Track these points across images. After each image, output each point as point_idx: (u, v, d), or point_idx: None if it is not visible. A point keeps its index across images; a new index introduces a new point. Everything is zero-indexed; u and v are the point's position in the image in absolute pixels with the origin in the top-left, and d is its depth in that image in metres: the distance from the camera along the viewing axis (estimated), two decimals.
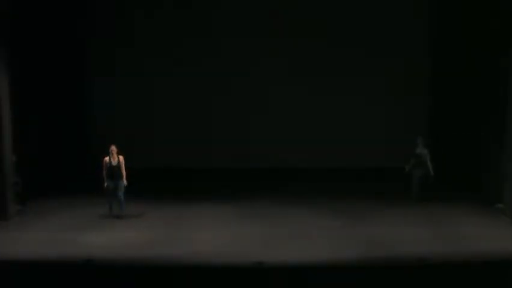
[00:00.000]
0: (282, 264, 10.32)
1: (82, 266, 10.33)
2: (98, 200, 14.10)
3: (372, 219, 13.33)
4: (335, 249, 11.23)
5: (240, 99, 17.89)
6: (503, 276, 9.91)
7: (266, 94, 17.75)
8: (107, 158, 13.32)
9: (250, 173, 16.89)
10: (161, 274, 10.17)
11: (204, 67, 17.77)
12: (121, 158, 13.37)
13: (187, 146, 17.75)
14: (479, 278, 9.82)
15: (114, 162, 13.29)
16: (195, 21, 17.77)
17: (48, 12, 15.77)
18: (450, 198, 14.78)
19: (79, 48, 17.65)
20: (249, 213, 13.89)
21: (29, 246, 11.56)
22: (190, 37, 17.78)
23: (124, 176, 13.36)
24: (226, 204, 14.58)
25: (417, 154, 14.47)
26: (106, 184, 13.34)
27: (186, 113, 17.98)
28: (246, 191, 15.67)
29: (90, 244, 11.68)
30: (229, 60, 17.70)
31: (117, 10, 17.81)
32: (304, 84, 17.61)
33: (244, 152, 17.66)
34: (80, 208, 14.38)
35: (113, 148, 13.33)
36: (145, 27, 17.75)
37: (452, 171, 16.04)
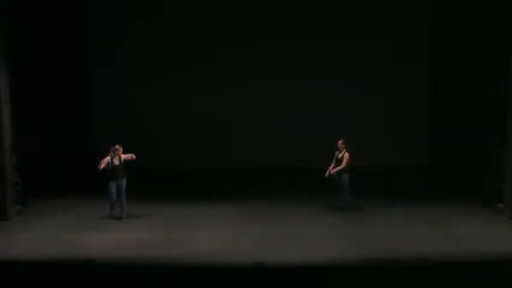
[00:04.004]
0: (282, 264, 10.33)
1: (82, 266, 10.33)
2: (98, 200, 14.11)
3: (372, 219, 13.33)
4: (335, 249, 11.23)
5: (240, 99, 17.92)
6: (503, 276, 9.91)
7: (266, 95, 17.77)
8: (108, 158, 13.26)
9: (250, 173, 16.90)
10: (161, 274, 10.17)
11: (204, 68, 17.80)
12: (123, 156, 13.31)
13: (187, 147, 17.77)
14: (479, 278, 9.82)
15: (117, 161, 13.26)
16: (196, 22, 17.79)
17: (49, 12, 15.77)
18: (450, 198, 14.78)
19: (79, 48, 17.68)
20: (249, 213, 13.89)
21: (29, 246, 11.55)
22: (190, 37, 17.81)
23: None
24: (226, 204, 14.57)
25: (338, 159, 13.73)
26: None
27: (186, 113, 18.00)
28: (245, 191, 15.67)
29: (90, 244, 11.67)
30: (230, 61, 17.72)
31: (117, 10, 17.82)
32: (304, 85, 17.65)
33: (244, 152, 17.69)
34: (80, 208, 14.38)
35: (118, 147, 13.29)
36: (145, 27, 17.78)
37: (452, 170, 16.07)
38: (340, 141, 13.77)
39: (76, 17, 17.49)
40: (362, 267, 10.41)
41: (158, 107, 18.01)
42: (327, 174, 13.80)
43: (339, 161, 13.77)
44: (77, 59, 17.55)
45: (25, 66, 14.68)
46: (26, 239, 12.09)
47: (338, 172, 13.68)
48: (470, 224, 12.83)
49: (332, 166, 13.83)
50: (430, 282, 9.90)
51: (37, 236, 12.26)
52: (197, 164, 17.63)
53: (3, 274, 10.11)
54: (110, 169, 13.23)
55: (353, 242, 11.76)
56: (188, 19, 17.81)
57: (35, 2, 14.99)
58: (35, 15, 15.16)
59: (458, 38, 15.93)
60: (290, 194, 15.49)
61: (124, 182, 13.25)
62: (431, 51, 17.71)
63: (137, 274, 10.21)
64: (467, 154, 15.37)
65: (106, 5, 17.78)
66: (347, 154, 13.69)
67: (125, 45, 17.86)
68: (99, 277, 10.10)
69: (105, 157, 13.29)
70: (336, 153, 13.82)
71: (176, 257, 10.85)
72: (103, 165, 13.14)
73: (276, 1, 17.56)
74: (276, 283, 9.94)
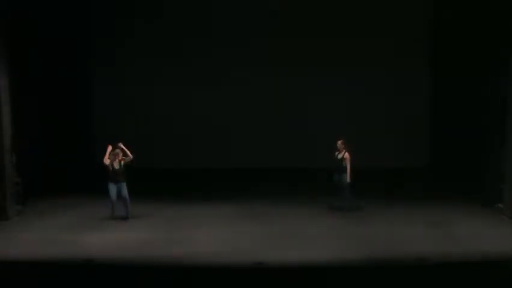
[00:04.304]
0: (282, 264, 10.33)
1: (82, 266, 10.33)
2: (98, 200, 14.11)
3: (372, 219, 13.34)
4: (335, 249, 11.23)
5: (240, 99, 17.90)
6: (503, 276, 9.91)
7: (266, 95, 17.75)
8: (108, 160, 13.25)
9: (250, 173, 16.90)
10: (161, 274, 10.17)
11: (204, 68, 17.78)
12: (123, 160, 13.32)
13: (187, 147, 17.76)
14: (479, 278, 9.82)
15: (117, 165, 13.25)
16: (196, 22, 17.78)
17: (49, 12, 15.76)
18: (450, 198, 14.78)
19: (79, 48, 17.66)
20: (249, 213, 13.89)
21: (29, 246, 11.56)
22: (190, 37, 17.79)
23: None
24: (226, 204, 14.58)
25: (338, 159, 13.74)
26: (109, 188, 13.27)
27: (186, 113, 17.98)
28: (245, 191, 15.67)
29: (90, 244, 11.68)
30: (230, 61, 17.70)
31: (117, 10, 17.81)
32: (304, 85, 17.63)
33: (244, 152, 17.68)
34: (80, 208, 14.39)
35: (119, 152, 13.30)
36: (145, 27, 17.77)
37: (452, 170, 16.06)
38: (339, 142, 13.78)
39: (76, 17, 17.47)
40: (362, 267, 10.41)
41: (158, 107, 17.99)
42: (335, 178, 13.84)
43: (339, 162, 13.77)
44: (77, 59, 17.53)
45: (25, 66, 14.68)
46: (26, 239, 12.09)
47: (349, 175, 13.65)
48: (470, 224, 12.83)
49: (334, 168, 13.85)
50: (430, 282, 9.90)
51: (37, 236, 12.26)
52: (197, 164, 17.61)
53: (3, 274, 10.11)
54: (111, 172, 13.23)
55: (353, 242, 11.76)
56: (188, 19, 17.79)
57: (35, 2, 14.98)
58: (35, 15, 15.15)
59: (458, 38, 15.92)
60: (290, 194, 15.49)
61: (124, 186, 13.26)
62: (431, 51, 17.69)
63: (137, 274, 10.21)
64: (467, 154, 15.38)
65: (106, 5, 17.76)
66: (347, 155, 13.68)
67: (125, 45, 17.83)
68: (99, 277, 10.10)
69: (107, 148, 13.26)
70: (336, 153, 13.83)
71: (176, 257, 10.86)
72: (108, 160, 13.14)
73: (276, 1, 17.55)
74: (276, 283, 9.95)
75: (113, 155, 13.26)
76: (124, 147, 13.34)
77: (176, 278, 10.06)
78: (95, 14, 17.92)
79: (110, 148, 13.31)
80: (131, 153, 13.32)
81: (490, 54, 14.08)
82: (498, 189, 13.57)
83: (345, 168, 13.65)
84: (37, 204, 14.58)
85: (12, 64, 13.59)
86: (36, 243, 11.74)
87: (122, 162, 13.27)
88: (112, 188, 13.22)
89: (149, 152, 17.05)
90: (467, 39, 15.39)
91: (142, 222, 13.27)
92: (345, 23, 17.41)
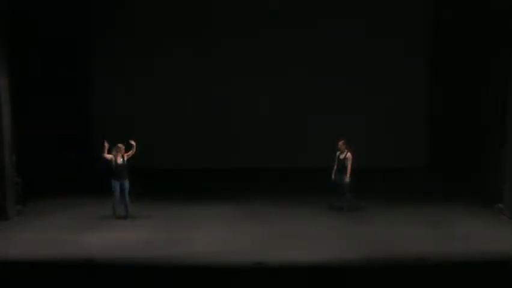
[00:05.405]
0: (282, 264, 10.33)
1: (82, 266, 10.33)
2: (98, 200, 14.11)
3: (372, 219, 13.34)
4: (335, 249, 11.23)
5: (240, 99, 17.89)
6: (503, 276, 9.91)
7: (266, 95, 17.75)
8: (110, 156, 13.25)
9: (250, 173, 16.89)
10: (161, 274, 10.17)
11: (204, 67, 17.77)
12: (126, 154, 13.33)
13: (187, 147, 17.75)
14: (479, 278, 9.82)
15: (120, 160, 13.24)
16: (196, 22, 17.77)
17: (49, 12, 15.76)
18: (450, 198, 14.79)
19: (79, 48, 17.66)
20: (249, 213, 13.90)
21: (29, 246, 11.56)
22: (190, 37, 17.79)
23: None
24: (226, 204, 14.58)
25: (340, 160, 13.78)
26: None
27: (186, 113, 17.98)
28: (245, 191, 15.67)
29: (90, 244, 11.68)
30: (230, 59, 17.70)
31: (117, 10, 17.80)
32: (304, 85, 17.63)
33: (244, 151, 17.68)
34: (80, 208, 14.39)
35: (120, 146, 13.29)
36: (145, 27, 17.76)
37: (452, 170, 16.07)
38: (340, 142, 13.81)
39: (76, 17, 17.46)
40: (362, 267, 10.41)
41: (158, 107, 17.99)
42: (333, 177, 13.89)
43: (341, 162, 13.79)
44: (77, 59, 17.53)
45: (25, 66, 14.68)
46: (26, 239, 12.09)
47: (350, 175, 13.69)
48: (470, 224, 12.83)
49: (335, 168, 13.86)
50: (430, 282, 9.89)
51: (37, 236, 12.26)
52: (197, 164, 17.61)
53: (3, 274, 10.10)
54: (114, 168, 13.22)
55: (353, 242, 11.77)
56: (188, 19, 17.77)
57: (35, 2, 14.98)
58: (35, 15, 15.16)
59: (458, 38, 15.91)
60: (290, 194, 15.49)
61: (126, 183, 13.28)
62: (431, 51, 17.69)
63: (137, 274, 10.20)
64: (467, 154, 15.37)
65: (105, 5, 17.76)
66: (349, 155, 13.71)
67: (126, 46, 17.83)
68: (99, 277, 10.10)
69: (105, 145, 13.27)
70: (338, 153, 13.85)
71: (176, 257, 10.86)
72: (108, 156, 13.16)
73: (276, 2, 17.55)
74: (276, 283, 9.94)
75: (115, 150, 13.25)
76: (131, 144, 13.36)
77: (176, 278, 10.05)
78: (95, 14, 17.91)
79: (107, 145, 13.28)
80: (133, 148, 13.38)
81: (490, 54, 14.08)
82: (498, 189, 13.57)
83: (347, 168, 13.66)
84: (37, 204, 14.58)
85: (12, 64, 13.59)
86: (36, 243, 11.74)
87: (125, 158, 13.27)
88: (116, 185, 13.22)
89: (149, 152, 17.04)
90: (467, 39, 15.39)
91: (142, 222, 13.27)
92: (345, 24, 17.39)
